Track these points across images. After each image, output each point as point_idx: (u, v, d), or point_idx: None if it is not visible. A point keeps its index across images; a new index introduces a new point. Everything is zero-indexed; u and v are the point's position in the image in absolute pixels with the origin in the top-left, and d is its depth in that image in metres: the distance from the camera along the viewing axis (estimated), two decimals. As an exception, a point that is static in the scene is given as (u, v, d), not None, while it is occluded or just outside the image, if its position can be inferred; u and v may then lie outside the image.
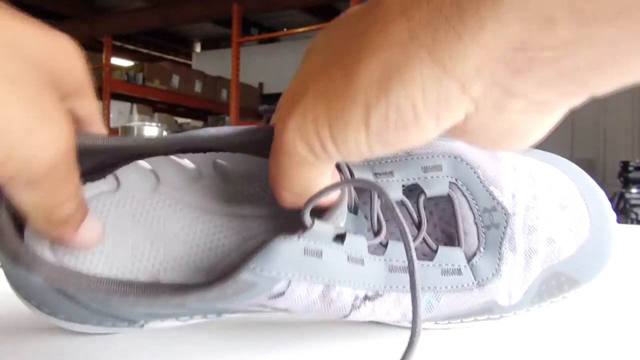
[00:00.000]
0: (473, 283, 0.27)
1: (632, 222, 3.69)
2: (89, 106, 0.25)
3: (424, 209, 0.28)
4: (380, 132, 0.18)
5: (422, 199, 0.27)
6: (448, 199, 0.28)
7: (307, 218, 0.22)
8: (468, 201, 0.28)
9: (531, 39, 0.15)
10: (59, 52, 0.22)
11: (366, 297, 0.26)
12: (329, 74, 0.19)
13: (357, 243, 0.25)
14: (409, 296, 0.26)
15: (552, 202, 0.29)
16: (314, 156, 0.20)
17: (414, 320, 0.20)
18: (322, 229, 0.23)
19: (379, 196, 0.21)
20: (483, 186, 0.28)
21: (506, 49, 0.16)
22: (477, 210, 0.28)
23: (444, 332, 0.29)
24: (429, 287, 0.26)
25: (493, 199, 0.28)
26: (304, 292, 0.24)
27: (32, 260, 0.22)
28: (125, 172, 0.30)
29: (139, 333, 0.29)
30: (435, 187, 0.27)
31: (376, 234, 0.27)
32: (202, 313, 0.27)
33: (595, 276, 0.29)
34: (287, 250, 0.22)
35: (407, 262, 0.25)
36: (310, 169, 0.21)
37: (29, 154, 0.18)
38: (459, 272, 0.27)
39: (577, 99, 0.17)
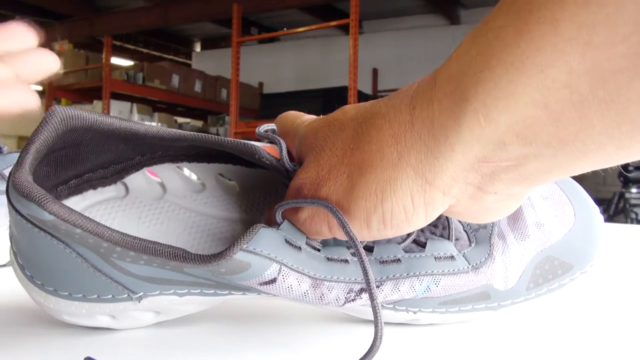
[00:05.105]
0: (468, 267, 0.28)
1: (632, 222, 3.68)
2: None
3: None
4: (379, 229, 0.23)
5: None
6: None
7: (278, 217, 0.25)
8: None
9: (491, 155, 0.20)
10: None
11: (362, 290, 0.27)
12: (338, 178, 0.23)
13: (337, 250, 0.27)
14: (406, 281, 0.27)
15: (534, 194, 0.31)
16: (320, 236, 0.25)
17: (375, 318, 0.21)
18: (292, 228, 0.25)
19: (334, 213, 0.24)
20: None
21: (473, 162, 0.20)
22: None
23: (443, 333, 0.29)
24: (426, 272, 0.28)
25: None
26: (294, 282, 0.25)
27: (44, 197, 0.22)
28: (134, 181, 0.32)
29: (138, 335, 0.29)
30: None
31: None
32: (200, 286, 0.27)
33: (588, 262, 0.30)
34: (271, 235, 0.24)
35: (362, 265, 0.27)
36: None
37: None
38: (452, 258, 0.28)
39: (537, 188, 0.22)
